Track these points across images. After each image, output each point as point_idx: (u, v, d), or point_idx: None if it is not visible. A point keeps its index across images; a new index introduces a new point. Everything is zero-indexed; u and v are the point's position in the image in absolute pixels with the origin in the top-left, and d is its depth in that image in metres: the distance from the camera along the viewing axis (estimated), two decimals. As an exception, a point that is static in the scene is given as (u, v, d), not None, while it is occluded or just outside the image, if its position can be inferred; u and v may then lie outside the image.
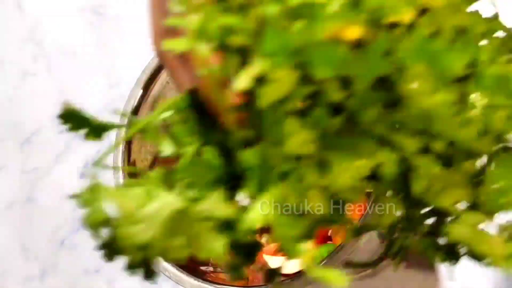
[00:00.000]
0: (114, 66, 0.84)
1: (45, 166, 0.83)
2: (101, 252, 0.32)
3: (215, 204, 0.31)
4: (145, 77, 0.57)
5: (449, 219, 0.33)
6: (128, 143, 0.57)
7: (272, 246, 0.61)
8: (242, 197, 0.31)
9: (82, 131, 0.34)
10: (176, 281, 0.53)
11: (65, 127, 0.32)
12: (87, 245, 0.80)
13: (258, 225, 0.30)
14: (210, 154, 0.33)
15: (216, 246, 0.30)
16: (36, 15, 0.87)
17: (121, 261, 0.81)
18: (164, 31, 0.35)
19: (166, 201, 0.30)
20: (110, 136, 0.74)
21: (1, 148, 0.85)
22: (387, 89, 0.29)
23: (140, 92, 0.57)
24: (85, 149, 0.83)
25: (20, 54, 0.87)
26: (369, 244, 0.51)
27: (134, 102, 0.57)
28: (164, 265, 0.52)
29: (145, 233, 0.30)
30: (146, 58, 0.82)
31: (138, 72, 0.79)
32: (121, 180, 0.55)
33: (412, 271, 0.71)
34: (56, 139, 0.83)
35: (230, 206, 0.31)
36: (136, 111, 0.57)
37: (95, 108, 0.83)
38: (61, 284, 0.79)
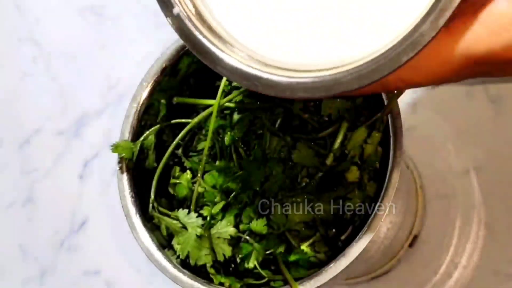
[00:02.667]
0: (113, 66, 0.84)
1: (44, 167, 0.83)
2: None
3: (223, 228, 0.52)
4: (152, 73, 0.56)
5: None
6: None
7: None
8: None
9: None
10: (175, 282, 0.52)
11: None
12: (86, 246, 0.80)
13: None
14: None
15: (226, 251, 0.52)
16: (35, 15, 0.87)
17: (120, 263, 0.81)
18: None
19: (192, 230, 0.52)
20: (110, 137, 0.74)
21: (1, 148, 0.85)
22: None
23: (147, 91, 0.56)
24: (84, 149, 0.82)
25: (19, 54, 0.87)
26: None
27: (139, 101, 0.56)
28: (164, 266, 0.52)
29: (184, 249, 0.52)
30: (146, 58, 0.82)
31: (138, 72, 0.79)
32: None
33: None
34: (55, 139, 0.83)
35: (232, 228, 0.52)
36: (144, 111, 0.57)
37: (94, 108, 0.84)
38: (60, 285, 0.79)
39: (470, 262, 0.70)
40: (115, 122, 0.82)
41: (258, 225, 0.53)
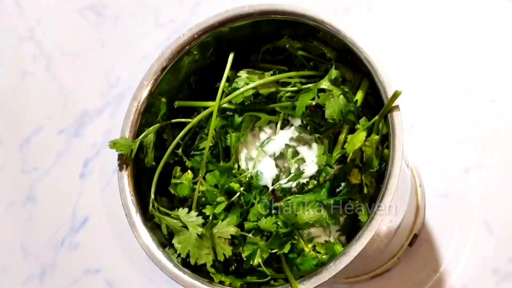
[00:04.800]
0: (113, 66, 0.84)
1: (45, 166, 0.83)
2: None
3: (224, 228, 0.53)
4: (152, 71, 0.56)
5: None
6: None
7: None
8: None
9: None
10: (176, 281, 0.52)
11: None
12: (87, 245, 0.80)
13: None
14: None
15: (227, 251, 0.52)
16: (35, 15, 0.87)
17: (121, 261, 0.81)
18: None
19: (193, 229, 0.52)
20: (110, 136, 0.74)
21: (1, 148, 0.84)
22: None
23: (148, 90, 0.56)
24: (84, 149, 0.82)
25: (19, 54, 0.87)
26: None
27: (140, 99, 0.56)
28: (164, 264, 0.52)
29: (185, 248, 0.52)
30: (146, 58, 0.82)
31: (138, 71, 0.79)
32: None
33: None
34: (55, 139, 0.83)
35: (233, 228, 0.53)
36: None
37: (95, 107, 0.84)
38: (61, 283, 0.79)
39: (469, 260, 0.70)
40: (115, 121, 0.82)
41: (267, 223, 0.53)
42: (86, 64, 0.85)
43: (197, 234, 0.52)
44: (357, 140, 0.51)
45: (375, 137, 0.51)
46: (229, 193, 0.55)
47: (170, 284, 0.77)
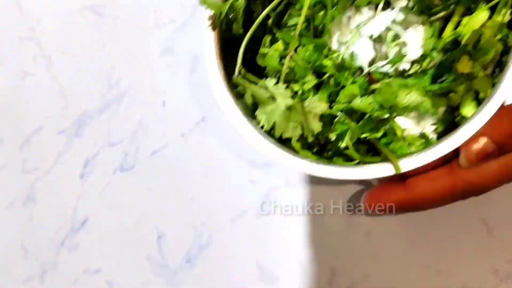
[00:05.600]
0: (114, 66, 0.84)
1: (45, 166, 0.83)
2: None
3: (315, 103, 0.49)
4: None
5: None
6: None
7: None
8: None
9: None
10: (258, 151, 0.50)
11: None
12: (87, 245, 0.80)
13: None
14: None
15: (316, 127, 0.49)
16: (36, 15, 0.87)
17: (121, 261, 0.81)
18: None
19: (282, 100, 0.49)
20: (110, 136, 0.74)
21: (1, 148, 0.85)
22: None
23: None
24: (84, 149, 0.82)
25: (19, 54, 0.87)
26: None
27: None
28: (250, 129, 0.51)
29: (270, 120, 0.49)
30: (146, 57, 0.82)
31: (138, 72, 0.80)
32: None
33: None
34: (56, 139, 0.83)
35: (325, 104, 0.49)
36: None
37: (95, 107, 0.84)
38: (61, 283, 0.79)
39: (469, 260, 0.70)
40: (116, 121, 0.82)
41: (363, 102, 0.49)
42: (86, 64, 0.85)
43: (286, 105, 0.49)
44: (477, 20, 0.46)
45: (498, 19, 0.46)
46: (318, 74, 0.52)
47: (171, 284, 0.77)
